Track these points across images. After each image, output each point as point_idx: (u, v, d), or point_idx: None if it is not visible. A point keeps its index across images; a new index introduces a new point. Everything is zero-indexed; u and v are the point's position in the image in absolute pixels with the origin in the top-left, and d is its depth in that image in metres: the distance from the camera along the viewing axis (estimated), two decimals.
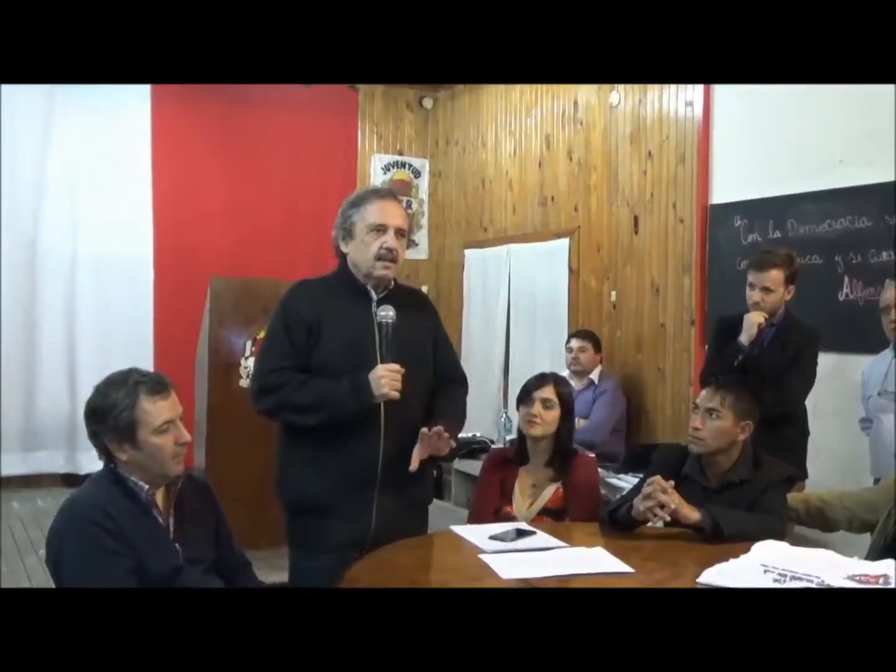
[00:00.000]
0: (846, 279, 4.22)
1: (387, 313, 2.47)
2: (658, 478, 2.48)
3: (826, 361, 3.74)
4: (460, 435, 2.79)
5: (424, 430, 2.46)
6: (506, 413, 5.50)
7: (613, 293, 5.68)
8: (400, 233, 2.55)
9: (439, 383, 2.66)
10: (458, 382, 2.74)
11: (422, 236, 7.60)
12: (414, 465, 2.49)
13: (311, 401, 2.45)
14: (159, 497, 2.19)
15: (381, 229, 2.52)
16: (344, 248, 2.59)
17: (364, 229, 2.53)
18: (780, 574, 2.03)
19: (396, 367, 2.43)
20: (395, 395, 2.42)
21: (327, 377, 2.47)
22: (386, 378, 2.41)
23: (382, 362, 2.44)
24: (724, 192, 4.94)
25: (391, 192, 2.67)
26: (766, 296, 3.56)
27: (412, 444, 2.51)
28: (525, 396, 3.09)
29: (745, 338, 3.54)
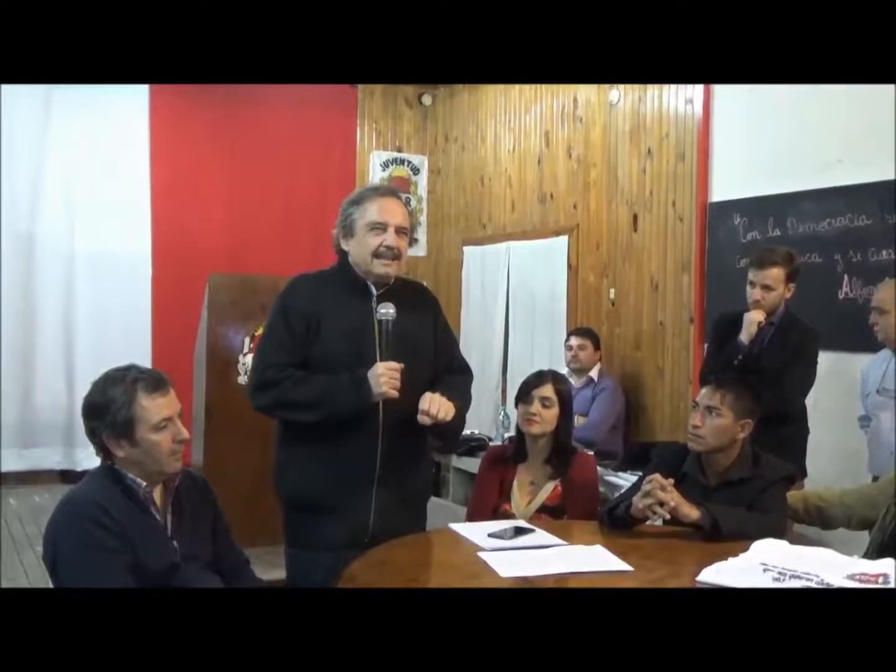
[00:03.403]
0: (846, 278, 4.22)
1: (387, 310, 2.45)
2: (657, 475, 2.47)
3: (825, 360, 3.74)
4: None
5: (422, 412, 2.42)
6: (504, 410, 5.49)
7: (612, 291, 5.67)
8: (401, 231, 2.53)
9: (440, 374, 2.62)
10: (459, 372, 2.71)
11: (420, 233, 7.59)
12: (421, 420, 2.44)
13: (309, 398, 2.44)
14: (157, 494, 2.18)
15: (380, 227, 2.50)
16: (345, 247, 2.57)
17: (364, 227, 2.51)
18: (779, 573, 2.02)
19: (396, 365, 2.41)
20: (395, 393, 2.40)
21: (326, 373, 2.46)
22: (385, 377, 2.39)
23: (382, 360, 2.43)
24: (723, 189, 4.93)
25: (392, 190, 2.65)
26: (766, 294, 3.56)
27: (411, 440, 2.50)
28: (524, 394, 3.08)
29: (744, 336, 3.53)
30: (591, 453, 3.43)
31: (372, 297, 2.53)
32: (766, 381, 3.26)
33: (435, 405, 2.42)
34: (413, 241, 2.63)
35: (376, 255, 2.50)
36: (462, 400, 2.59)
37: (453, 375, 2.66)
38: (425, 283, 3.64)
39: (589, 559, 2.24)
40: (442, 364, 2.65)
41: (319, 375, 2.46)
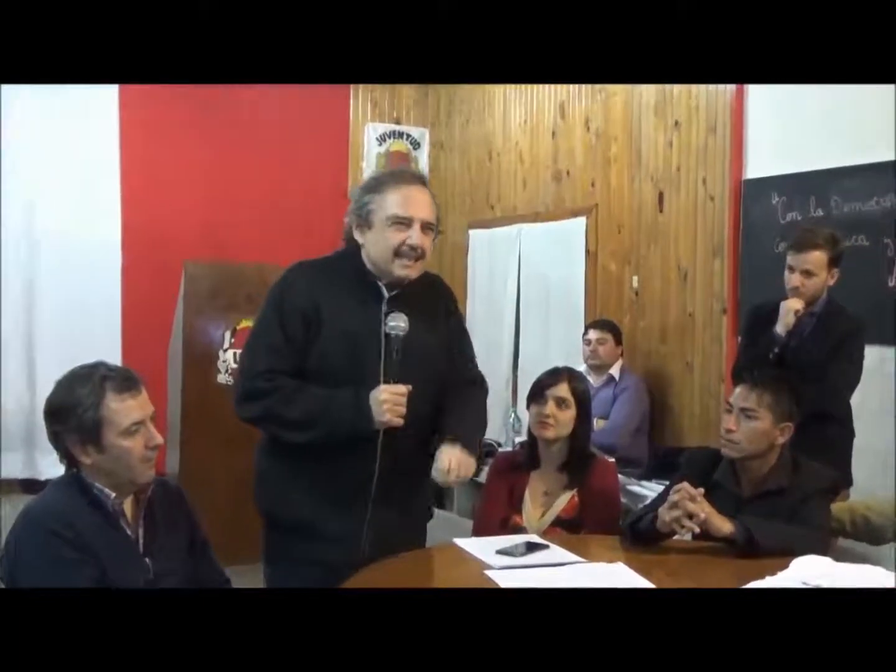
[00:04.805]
0: None
1: (397, 324, 2.38)
2: (686, 484, 2.47)
3: (872, 354, 3.73)
4: None
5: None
6: (515, 412, 5.50)
7: (636, 279, 5.67)
8: (427, 226, 2.44)
9: (452, 384, 2.57)
10: (471, 383, 2.66)
11: None
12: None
13: (301, 417, 2.39)
14: (127, 506, 2.18)
15: (404, 222, 2.41)
16: (359, 239, 2.48)
17: (384, 220, 2.41)
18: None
19: (402, 389, 2.35)
20: (399, 421, 2.35)
21: (322, 381, 2.40)
22: (389, 403, 2.33)
23: (386, 381, 2.38)
24: (759, 165, 4.92)
25: (418, 177, 2.53)
26: (806, 280, 3.55)
27: (412, 459, 2.47)
28: (536, 394, 3.08)
29: (781, 327, 3.52)
30: (612, 460, 3.44)
31: (382, 301, 2.46)
32: (806, 377, 3.25)
33: (455, 463, 2.39)
34: (438, 235, 2.52)
35: (398, 253, 2.41)
36: (480, 430, 2.60)
37: (468, 389, 2.62)
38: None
39: (609, 578, 2.23)
40: (453, 373, 2.60)
41: (315, 390, 2.40)
